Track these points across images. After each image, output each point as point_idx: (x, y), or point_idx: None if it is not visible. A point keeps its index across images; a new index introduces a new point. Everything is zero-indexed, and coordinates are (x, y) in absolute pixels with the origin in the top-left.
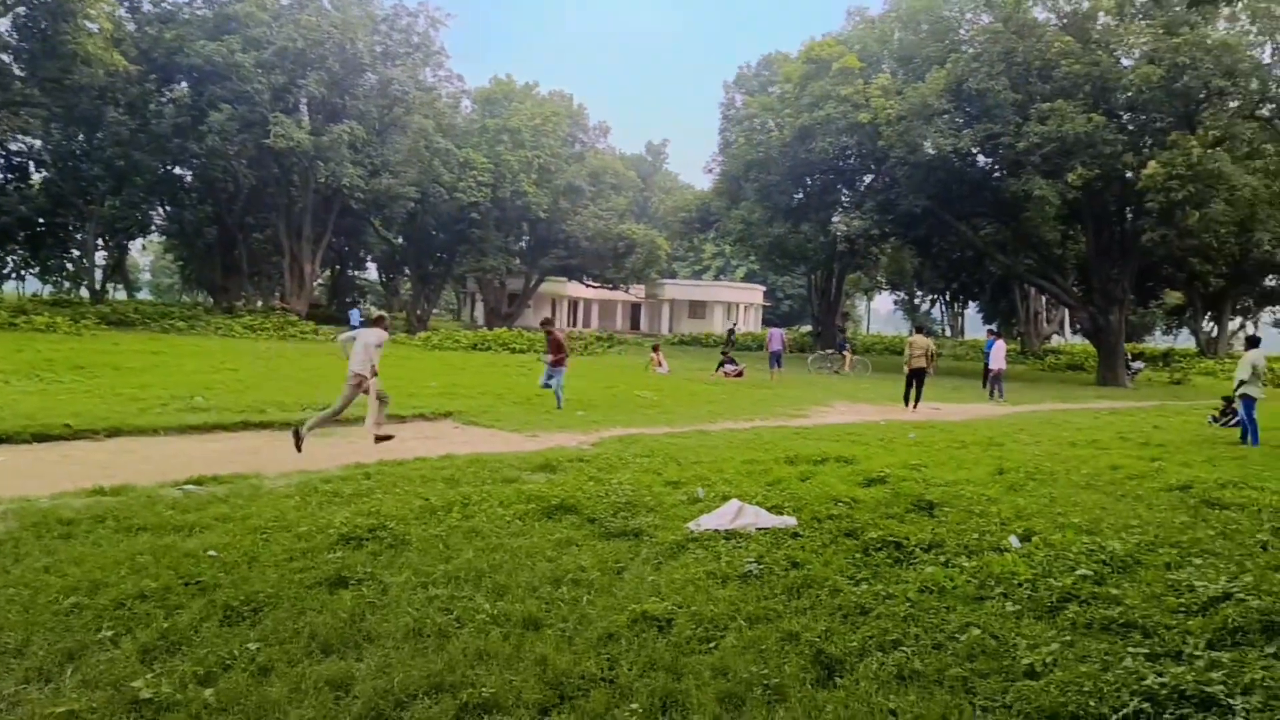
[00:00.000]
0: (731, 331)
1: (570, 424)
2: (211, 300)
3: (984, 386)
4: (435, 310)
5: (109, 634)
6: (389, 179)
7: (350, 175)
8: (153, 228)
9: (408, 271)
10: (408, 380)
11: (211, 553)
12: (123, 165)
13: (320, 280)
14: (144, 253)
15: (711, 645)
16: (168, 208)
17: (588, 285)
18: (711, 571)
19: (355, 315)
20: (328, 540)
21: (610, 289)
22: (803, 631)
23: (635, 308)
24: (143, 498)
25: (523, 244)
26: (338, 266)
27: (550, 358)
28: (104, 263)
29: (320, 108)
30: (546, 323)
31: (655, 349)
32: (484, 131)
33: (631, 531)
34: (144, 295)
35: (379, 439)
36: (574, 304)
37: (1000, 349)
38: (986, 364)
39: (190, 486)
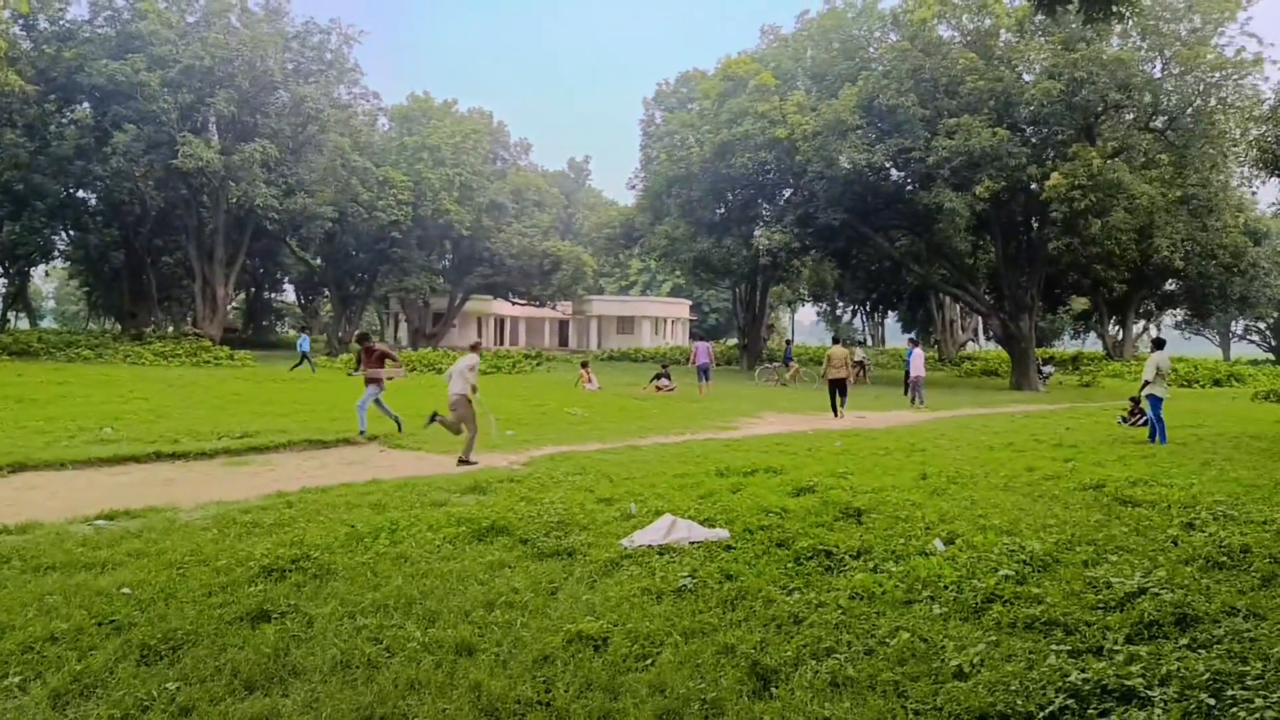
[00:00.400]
0: (789, 343)
1: (500, 444)
2: (120, 327)
3: (905, 394)
4: (358, 332)
5: (16, 680)
6: (305, 198)
7: (263, 195)
8: (56, 253)
9: (327, 293)
10: (330, 405)
11: (125, 590)
12: (21, 189)
13: (234, 304)
14: (47, 279)
15: (648, 662)
16: (71, 232)
17: (514, 303)
18: (646, 588)
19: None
20: (248, 573)
21: (537, 306)
22: (738, 644)
23: (563, 325)
24: (50, 535)
25: (446, 262)
26: (253, 289)
27: (369, 372)
28: (4, 290)
29: (230, 127)
30: (363, 338)
31: (584, 366)
32: (403, 149)
33: (565, 551)
34: (48, 323)
35: (464, 462)
36: (500, 322)
37: (920, 356)
38: (908, 371)
39: (101, 522)
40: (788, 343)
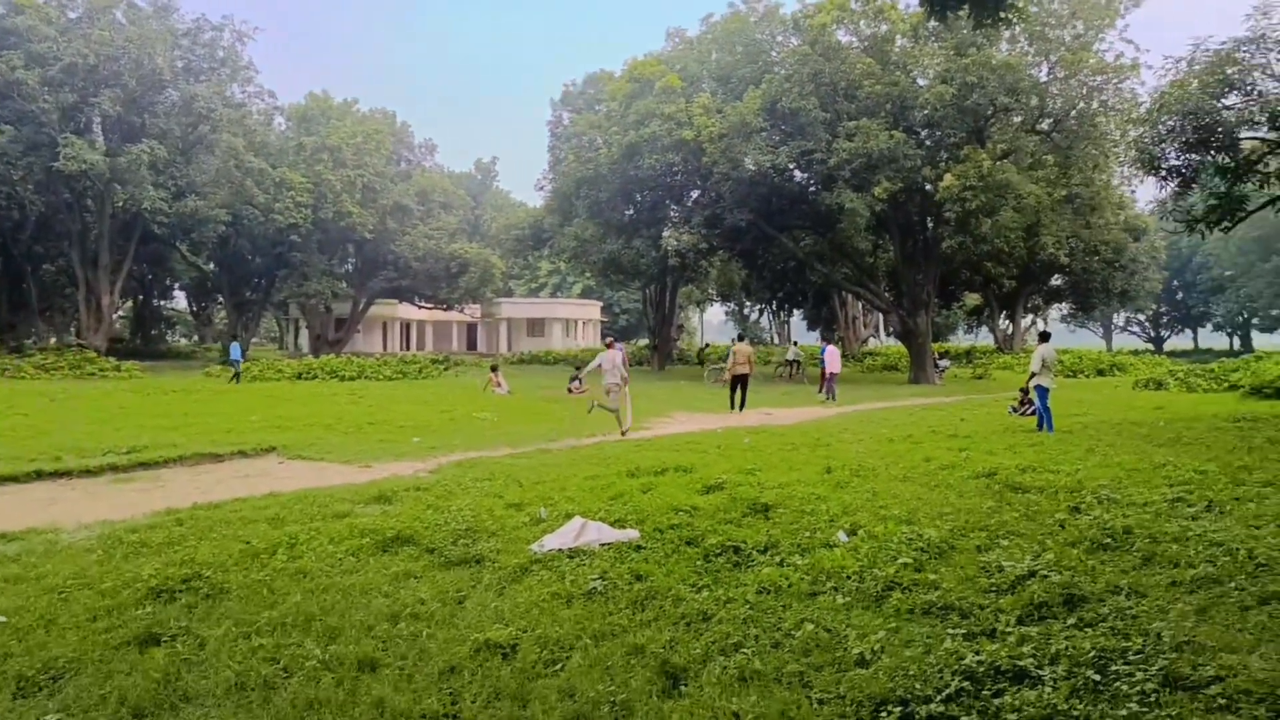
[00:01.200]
0: (795, 344)
1: (407, 451)
2: None
3: (820, 390)
4: (255, 339)
5: None
6: (196, 201)
7: (152, 198)
8: None
9: (221, 299)
10: (224, 416)
11: (1, 618)
12: None
13: (121, 312)
14: None
15: (558, 667)
16: None
17: (420, 307)
18: (556, 592)
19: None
20: (136, 595)
21: (444, 310)
22: (648, 644)
23: (471, 328)
24: None
25: (349, 267)
26: (141, 297)
27: None
28: None
29: (116, 127)
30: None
31: (494, 369)
32: (301, 150)
33: (473, 558)
34: None
35: (624, 434)
36: (406, 326)
37: (834, 353)
38: (823, 368)
39: None
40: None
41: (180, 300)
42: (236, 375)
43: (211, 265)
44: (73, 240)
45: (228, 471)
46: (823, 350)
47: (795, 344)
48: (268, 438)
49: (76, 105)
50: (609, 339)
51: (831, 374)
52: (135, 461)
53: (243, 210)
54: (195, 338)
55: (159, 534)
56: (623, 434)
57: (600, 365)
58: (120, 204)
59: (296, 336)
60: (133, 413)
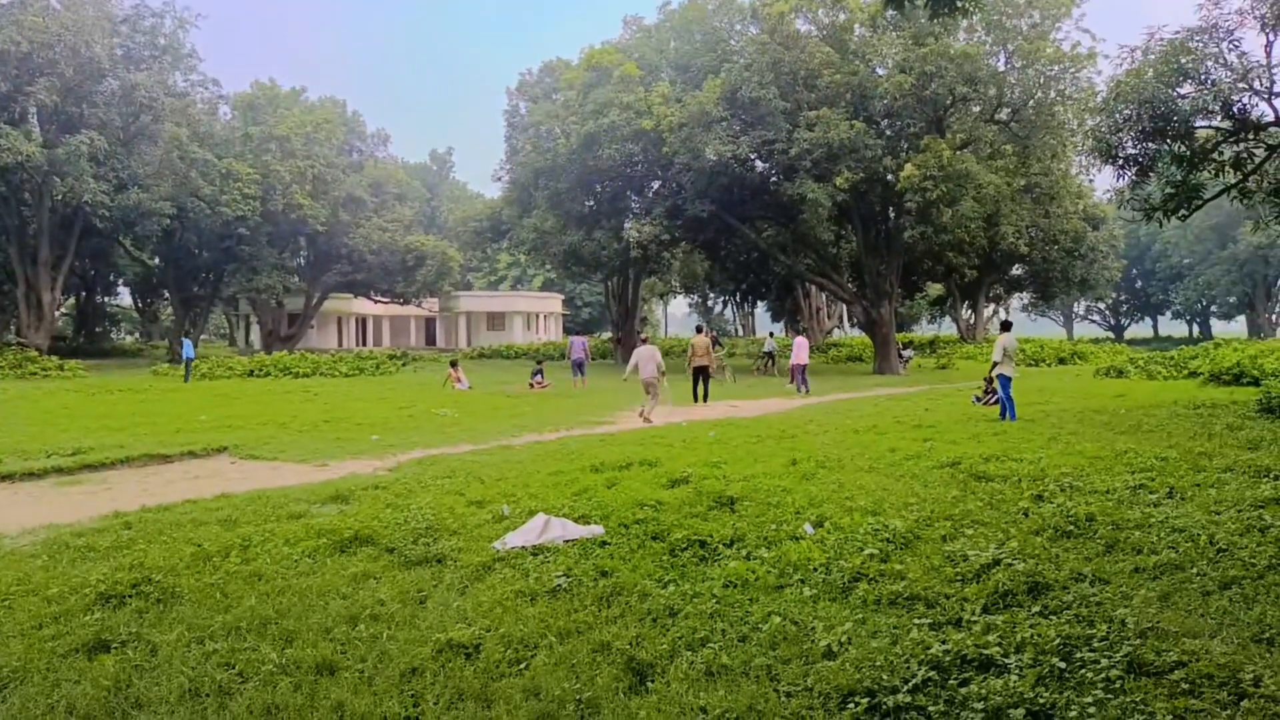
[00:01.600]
0: (770, 335)
1: (365, 450)
2: None
3: (791, 381)
4: (204, 336)
5: None
6: (139, 194)
7: (92, 191)
8: None
9: (168, 295)
10: (173, 415)
11: None
12: None
13: (63, 310)
14: None
15: (522, 666)
16: None
17: (376, 301)
18: (520, 590)
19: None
20: (83, 601)
21: (401, 304)
22: (614, 640)
23: (430, 322)
24: None
25: (301, 260)
26: (84, 293)
27: None
28: None
29: (53, 117)
30: None
31: (454, 365)
32: (248, 140)
33: (434, 557)
34: None
35: (646, 420)
36: (362, 321)
37: (801, 344)
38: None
39: None
40: (718, 336)
41: (125, 296)
42: (187, 373)
43: (157, 260)
44: (10, 235)
45: (177, 473)
46: (794, 342)
47: (770, 336)
48: (219, 437)
49: (10, 95)
50: (644, 335)
51: (797, 365)
52: (80, 464)
53: (188, 203)
54: (141, 335)
55: (106, 538)
56: (647, 420)
57: (631, 366)
58: (59, 197)
59: (247, 333)
60: (77, 413)
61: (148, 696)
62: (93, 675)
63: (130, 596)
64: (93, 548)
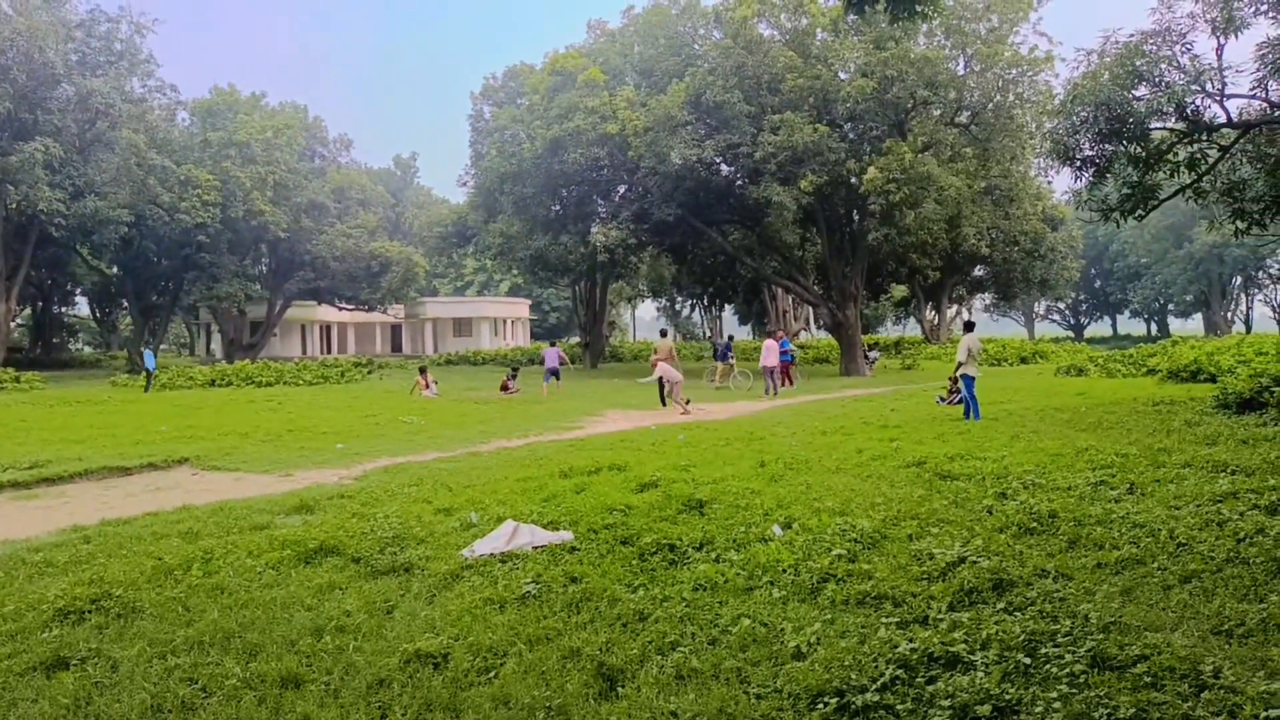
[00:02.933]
0: (730, 338)
1: (330, 459)
2: None
3: (766, 391)
4: (164, 346)
5: None
6: (96, 201)
7: (48, 199)
8: None
9: (126, 304)
10: (132, 427)
11: None
12: None
13: (18, 320)
14: None
15: (491, 675)
16: None
17: (340, 308)
18: (489, 598)
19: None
20: (41, 618)
21: (366, 311)
22: (584, 646)
23: (395, 329)
24: None
25: (263, 268)
26: (40, 303)
27: None
28: None
29: (6, 125)
30: None
31: (422, 371)
32: (207, 146)
33: (401, 567)
34: None
35: (683, 411)
36: (326, 329)
37: (770, 347)
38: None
39: None
40: (731, 337)
41: (83, 306)
42: (148, 384)
43: (115, 269)
44: None
45: (138, 485)
46: (783, 344)
47: (731, 338)
48: (180, 449)
49: None
50: (663, 327)
51: (765, 367)
52: (38, 477)
53: (146, 210)
54: (100, 345)
55: (65, 552)
56: (684, 410)
57: (657, 367)
58: (14, 205)
59: (209, 342)
60: (34, 426)
61: (109, 714)
62: (51, 693)
63: (90, 612)
64: (50, 563)
